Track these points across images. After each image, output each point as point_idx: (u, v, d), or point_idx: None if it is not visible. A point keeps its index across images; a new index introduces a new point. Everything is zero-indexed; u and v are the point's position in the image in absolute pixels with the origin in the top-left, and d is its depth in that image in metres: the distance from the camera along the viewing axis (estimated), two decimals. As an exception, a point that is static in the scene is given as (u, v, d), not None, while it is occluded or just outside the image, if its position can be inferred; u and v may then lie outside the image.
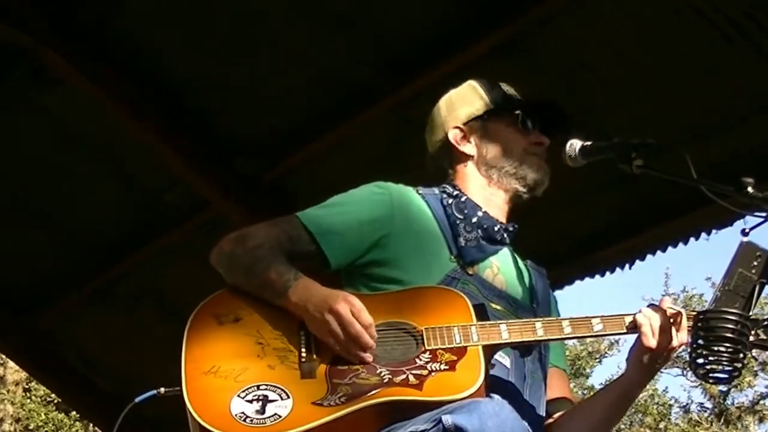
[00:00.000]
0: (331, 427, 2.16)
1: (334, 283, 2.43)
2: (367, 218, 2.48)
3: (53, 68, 4.46)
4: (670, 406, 18.45)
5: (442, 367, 2.24)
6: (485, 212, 2.56)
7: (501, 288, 2.52)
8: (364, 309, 2.28)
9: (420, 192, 2.59)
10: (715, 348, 2.24)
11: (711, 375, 2.27)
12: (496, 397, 2.31)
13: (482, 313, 2.36)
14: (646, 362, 2.35)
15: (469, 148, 2.64)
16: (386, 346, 2.29)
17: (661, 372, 17.90)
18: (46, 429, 16.31)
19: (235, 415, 2.17)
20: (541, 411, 2.49)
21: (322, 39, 4.30)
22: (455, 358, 2.25)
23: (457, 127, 2.67)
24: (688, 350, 2.29)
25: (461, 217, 2.53)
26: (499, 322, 2.34)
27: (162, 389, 2.41)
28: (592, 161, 2.55)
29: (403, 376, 2.22)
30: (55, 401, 15.64)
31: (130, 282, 5.40)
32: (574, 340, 11.73)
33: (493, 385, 2.35)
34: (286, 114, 4.60)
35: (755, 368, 17.63)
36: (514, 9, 4.05)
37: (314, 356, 2.27)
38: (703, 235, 4.45)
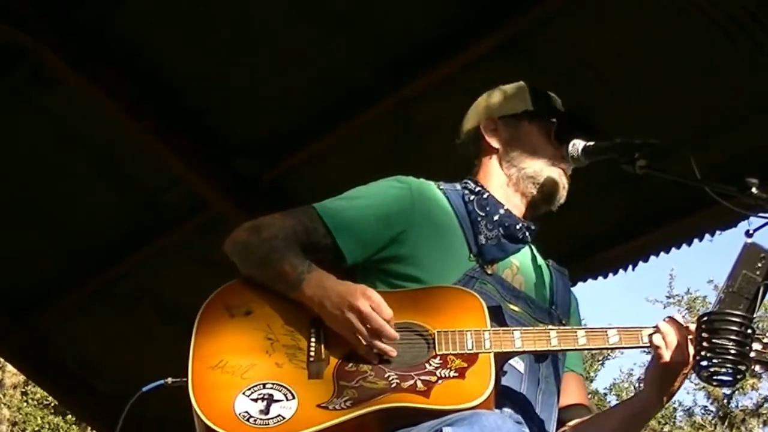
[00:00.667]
0: (334, 431, 2.14)
1: (348, 276, 2.41)
2: (386, 213, 2.43)
3: (52, 68, 4.44)
4: (675, 409, 18.37)
5: (452, 374, 2.20)
6: (507, 210, 2.51)
7: (519, 288, 2.48)
8: (384, 302, 2.24)
9: (441, 187, 2.55)
10: (719, 350, 2.22)
11: (715, 377, 2.26)
12: (506, 410, 2.27)
13: (498, 315, 2.33)
14: (663, 380, 2.32)
15: (496, 141, 2.60)
16: (397, 349, 2.25)
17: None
18: (42, 433, 16.27)
19: (239, 414, 2.15)
20: (553, 418, 2.45)
21: (322, 39, 4.29)
22: (465, 365, 2.22)
23: (491, 119, 2.63)
24: (692, 353, 2.27)
25: (482, 214, 2.49)
26: (513, 328, 2.31)
27: (169, 379, 2.39)
28: (594, 161, 2.54)
29: (411, 382, 2.19)
30: (52, 405, 15.59)
31: (129, 283, 5.38)
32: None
33: (505, 393, 2.32)
34: (286, 114, 4.58)
35: (757, 372, 17.50)
36: (515, 9, 4.04)
37: (323, 356, 2.25)
38: (707, 236, 4.44)
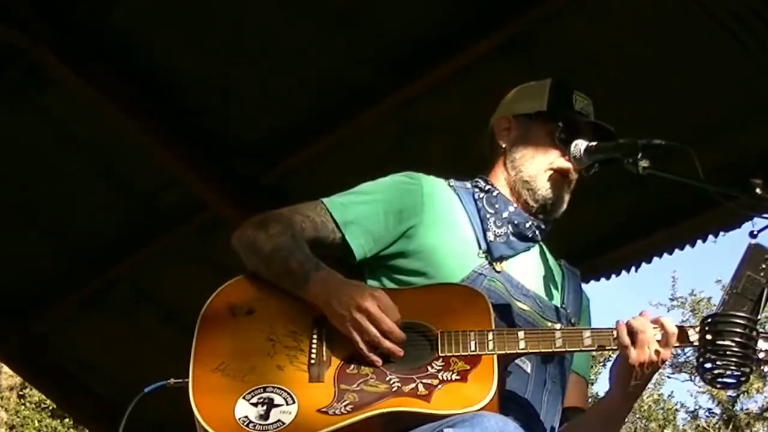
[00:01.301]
0: None
1: (355, 271, 2.39)
2: (395, 208, 2.41)
3: (51, 68, 4.43)
4: (676, 411, 18.33)
5: (454, 377, 2.18)
6: (517, 208, 2.49)
7: (529, 287, 2.46)
8: (392, 303, 2.22)
9: (451, 184, 2.53)
10: (723, 352, 2.20)
11: (718, 380, 2.24)
12: (510, 418, 2.25)
13: (506, 313, 2.30)
14: (626, 378, 2.28)
15: (505, 140, 2.57)
16: None
17: (668, 377, 17.84)
18: (39, 436, 16.21)
19: (239, 419, 2.14)
20: (556, 419, 2.43)
21: (322, 39, 4.27)
22: (468, 367, 2.19)
23: (506, 117, 2.60)
24: (696, 354, 2.26)
25: (492, 211, 2.47)
26: (517, 329, 2.28)
27: (171, 380, 2.37)
28: (597, 162, 2.52)
29: (413, 385, 2.17)
30: (50, 408, 15.54)
31: (128, 284, 5.36)
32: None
33: (510, 394, 2.30)
34: (286, 114, 4.57)
35: (765, 373, 17.46)
36: (515, 8, 4.02)
37: (324, 358, 2.23)
38: (711, 237, 4.42)
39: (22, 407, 16.11)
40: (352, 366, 2.22)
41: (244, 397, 2.16)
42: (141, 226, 5.11)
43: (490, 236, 2.44)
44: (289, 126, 4.60)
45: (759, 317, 2.24)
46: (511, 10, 4.03)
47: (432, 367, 2.20)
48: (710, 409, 18.25)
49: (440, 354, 2.22)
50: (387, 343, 2.20)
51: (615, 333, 2.27)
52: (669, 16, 3.87)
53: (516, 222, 2.48)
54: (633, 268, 4.68)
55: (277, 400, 2.16)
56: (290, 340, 2.25)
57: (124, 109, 4.60)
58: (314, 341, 2.25)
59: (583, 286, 2.69)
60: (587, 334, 2.29)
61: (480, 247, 2.43)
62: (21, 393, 16.14)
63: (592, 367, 18.70)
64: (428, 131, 4.41)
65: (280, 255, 2.32)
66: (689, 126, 4.09)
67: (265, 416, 2.13)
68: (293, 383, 2.18)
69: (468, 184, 2.55)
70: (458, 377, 2.18)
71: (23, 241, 5.22)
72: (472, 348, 2.22)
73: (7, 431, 15.89)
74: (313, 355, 2.23)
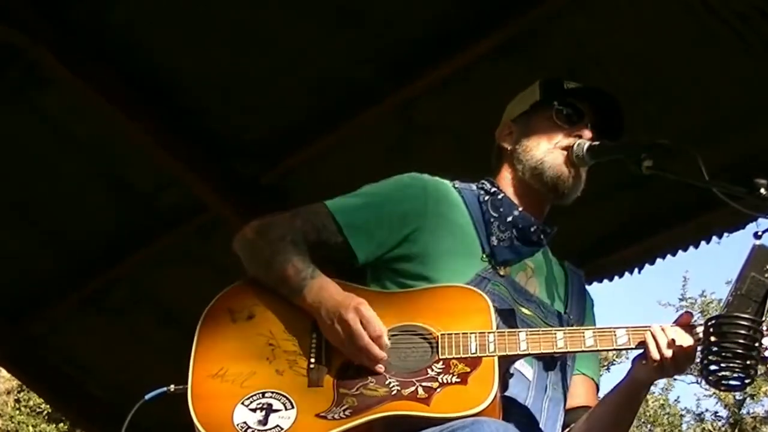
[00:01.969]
0: None
1: (357, 275, 2.37)
2: (399, 211, 2.40)
3: (49, 68, 4.41)
4: (681, 416, 18.29)
5: (454, 379, 2.17)
6: (522, 211, 2.47)
7: (533, 292, 2.45)
8: (375, 318, 2.20)
9: (456, 186, 2.52)
10: (727, 354, 2.19)
11: (723, 382, 2.23)
12: (511, 419, 2.24)
13: (511, 318, 2.29)
14: (650, 374, 2.31)
15: (508, 142, 2.57)
16: (400, 353, 2.23)
17: (675, 379, 17.77)
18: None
19: (237, 425, 2.13)
20: (557, 426, 2.41)
21: (322, 39, 4.26)
22: (468, 369, 2.18)
23: (506, 123, 2.60)
24: (700, 356, 2.24)
25: (496, 215, 2.45)
26: (518, 330, 2.27)
27: (172, 386, 2.36)
28: (600, 162, 2.51)
29: (413, 389, 2.16)
30: (45, 412, 15.48)
31: (125, 286, 5.34)
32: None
33: (511, 400, 2.28)
34: (286, 114, 4.55)
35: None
36: (515, 8, 4.01)
37: (323, 363, 2.22)
38: (714, 238, 4.40)
39: (17, 412, 16.05)
40: (352, 370, 2.21)
41: (242, 403, 2.16)
42: (140, 227, 5.09)
43: (494, 240, 2.43)
44: (289, 126, 4.58)
45: (764, 319, 2.22)
46: (512, 9, 4.01)
47: (432, 370, 2.19)
48: (716, 412, 18.23)
49: (440, 357, 2.21)
50: (364, 360, 2.20)
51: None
52: (671, 15, 3.85)
53: (520, 226, 2.46)
54: (636, 270, 4.66)
55: (276, 405, 2.16)
56: (290, 344, 2.25)
57: (124, 109, 4.58)
58: (313, 346, 2.25)
59: (588, 288, 2.67)
60: (589, 334, 2.28)
61: (484, 251, 2.42)
62: (17, 397, 16.09)
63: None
64: (428, 131, 4.40)
65: (278, 261, 2.32)
66: (693, 126, 4.07)
67: (264, 422, 2.13)
68: (292, 388, 2.18)
69: (473, 186, 2.53)
70: (458, 380, 2.17)
71: (21, 241, 5.20)
72: (473, 350, 2.21)
73: (3, 435, 15.86)
74: (313, 360, 2.23)
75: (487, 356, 2.20)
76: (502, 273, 2.40)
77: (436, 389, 2.15)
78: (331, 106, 4.46)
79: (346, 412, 2.13)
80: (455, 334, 2.22)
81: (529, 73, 3.97)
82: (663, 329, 2.27)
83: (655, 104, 4.10)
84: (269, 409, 2.14)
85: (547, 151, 2.50)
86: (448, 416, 2.10)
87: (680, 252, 4.49)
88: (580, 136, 2.50)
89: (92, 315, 5.45)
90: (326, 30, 4.23)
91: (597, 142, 2.48)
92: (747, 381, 2.22)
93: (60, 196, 4.99)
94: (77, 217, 5.10)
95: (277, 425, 2.12)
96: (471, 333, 2.22)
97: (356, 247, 2.37)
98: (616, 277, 4.70)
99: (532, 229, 2.47)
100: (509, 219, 2.46)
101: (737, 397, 17.11)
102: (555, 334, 2.26)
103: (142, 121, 4.63)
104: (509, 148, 2.56)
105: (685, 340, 2.26)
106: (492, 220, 2.45)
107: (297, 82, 4.43)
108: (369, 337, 2.19)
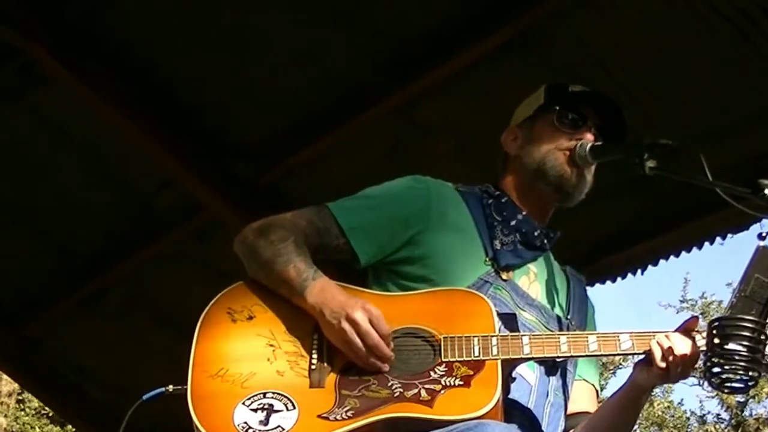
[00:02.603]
0: None
1: (359, 277, 2.36)
2: (402, 214, 2.39)
3: (45, 67, 4.39)
4: (687, 419, 18.27)
5: (457, 382, 2.16)
6: (526, 215, 2.47)
7: (535, 297, 2.44)
8: (382, 318, 2.20)
9: (460, 189, 2.51)
10: (731, 356, 2.17)
11: (726, 384, 2.22)
12: (513, 426, 2.22)
13: (513, 323, 2.28)
14: (653, 379, 2.31)
15: (513, 147, 2.56)
16: (402, 356, 2.22)
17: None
18: (39, 442, 16.12)
19: (238, 425, 2.12)
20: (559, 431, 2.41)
21: (322, 39, 4.24)
22: (471, 372, 2.17)
23: (511, 129, 2.60)
24: (703, 359, 2.23)
25: (499, 219, 2.45)
26: (521, 334, 2.26)
27: (170, 387, 2.35)
28: (603, 162, 2.50)
29: (415, 391, 2.15)
30: (50, 414, 15.47)
31: (123, 288, 5.32)
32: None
33: (513, 405, 2.27)
34: (286, 114, 4.54)
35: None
36: (517, 7, 3.99)
37: (325, 363, 2.21)
38: (718, 239, 4.38)
39: (22, 413, 16.05)
40: (354, 371, 2.20)
41: (243, 403, 2.15)
42: (136, 229, 5.07)
43: (497, 244, 2.42)
44: (289, 126, 4.57)
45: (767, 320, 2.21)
46: (513, 9, 4.00)
47: (435, 373, 2.18)
48: (719, 414, 18.21)
49: (443, 359, 2.20)
50: (372, 360, 2.18)
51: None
52: (676, 15, 3.83)
53: (524, 230, 2.46)
54: (639, 271, 4.64)
55: (277, 405, 2.14)
56: (291, 345, 2.25)
57: (121, 109, 4.56)
58: (315, 347, 2.24)
59: (589, 289, 2.67)
60: (593, 339, 2.27)
61: (487, 255, 2.42)
62: (20, 398, 16.07)
63: (602, 374, 18.77)
64: (429, 131, 4.38)
65: (279, 262, 2.31)
66: (697, 126, 4.05)
67: (265, 422, 2.12)
68: (294, 389, 2.17)
69: (477, 190, 2.53)
70: (461, 383, 2.16)
71: (16, 244, 5.18)
72: (476, 353, 2.20)
73: (7, 437, 15.85)
74: (314, 361, 2.22)
75: (491, 359, 2.19)
76: (504, 277, 2.40)
77: (439, 392, 2.14)
78: (331, 106, 4.45)
79: (348, 414, 2.11)
80: (458, 337, 2.21)
81: (531, 72, 3.97)
82: (668, 336, 2.26)
83: (658, 104, 4.09)
84: (270, 410, 2.13)
85: (548, 152, 2.49)
86: (452, 419, 2.09)
87: (683, 253, 4.48)
88: (582, 140, 2.49)
89: (90, 316, 5.43)
90: (326, 30, 4.22)
91: (599, 142, 2.47)
92: (750, 384, 2.21)
93: (58, 197, 4.98)
94: (75, 219, 5.08)
95: (279, 426, 2.11)
96: (474, 336, 2.21)
97: (358, 249, 2.37)
98: (619, 279, 4.70)
99: (536, 234, 2.46)
100: (513, 223, 2.45)
101: (740, 399, 17.10)
102: (559, 338, 2.26)
103: (140, 121, 4.61)
104: (514, 153, 2.55)
105: (690, 347, 2.25)
106: (495, 223, 2.44)
107: (297, 82, 4.42)
108: (378, 335, 2.17)
